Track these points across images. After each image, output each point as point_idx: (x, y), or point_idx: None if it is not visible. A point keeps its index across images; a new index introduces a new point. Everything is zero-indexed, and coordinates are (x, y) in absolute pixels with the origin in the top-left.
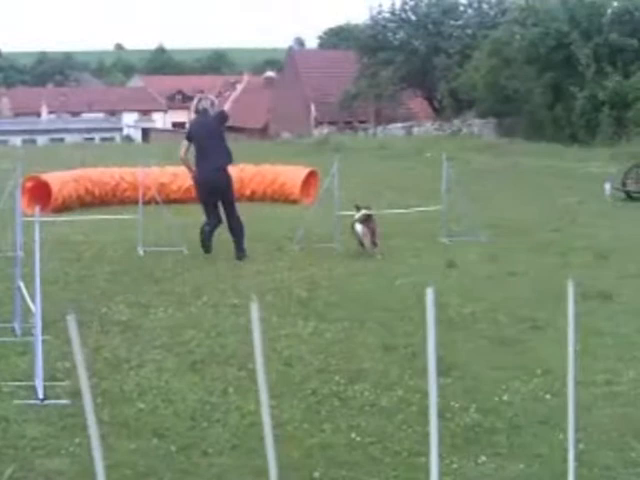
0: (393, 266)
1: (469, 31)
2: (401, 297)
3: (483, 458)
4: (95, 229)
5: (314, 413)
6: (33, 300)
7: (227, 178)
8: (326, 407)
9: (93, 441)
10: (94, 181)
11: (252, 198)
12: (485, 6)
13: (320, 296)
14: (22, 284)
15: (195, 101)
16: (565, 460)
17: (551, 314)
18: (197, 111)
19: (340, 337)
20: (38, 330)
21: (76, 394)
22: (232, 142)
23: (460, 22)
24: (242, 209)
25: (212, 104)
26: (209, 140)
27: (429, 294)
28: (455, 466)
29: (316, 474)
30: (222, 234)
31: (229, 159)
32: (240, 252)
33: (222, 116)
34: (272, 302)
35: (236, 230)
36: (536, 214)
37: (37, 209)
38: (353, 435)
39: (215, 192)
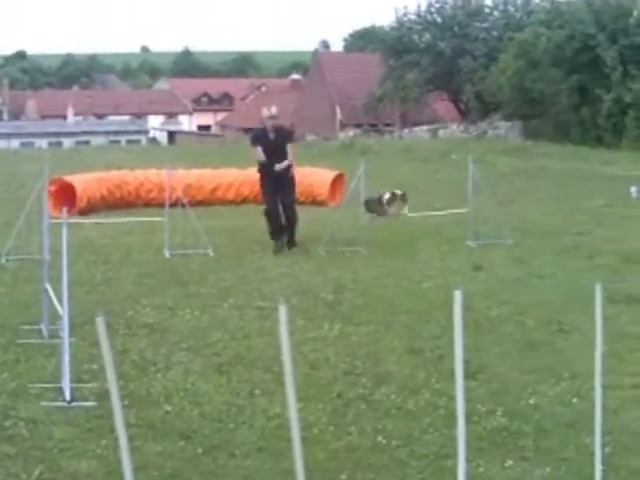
0: (419, 269)
1: (495, 33)
2: (427, 300)
3: (510, 462)
4: (121, 231)
5: (340, 416)
6: (60, 302)
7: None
8: (352, 410)
9: (121, 443)
10: (118, 183)
11: None
12: (511, 8)
13: (346, 299)
14: (49, 286)
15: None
16: (592, 464)
17: (578, 317)
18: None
19: (366, 340)
20: (65, 332)
21: (103, 396)
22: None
23: (486, 24)
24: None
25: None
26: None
27: (457, 297)
28: (481, 469)
29: (343, 477)
30: (249, 236)
31: None
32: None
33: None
34: (298, 305)
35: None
36: (562, 217)
37: (64, 211)
38: (379, 438)
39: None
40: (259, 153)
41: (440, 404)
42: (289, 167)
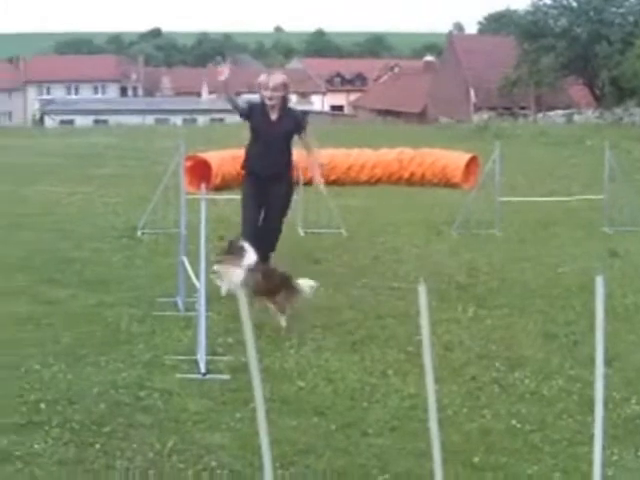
0: (554, 254)
1: (631, 18)
2: (562, 285)
3: None
4: None
5: (474, 399)
6: (196, 276)
7: None
8: (486, 393)
9: (259, 416)
10: None
11: (411, 181)
12: None
13: (480, 282)
14: (186, 260)
15: None
16: None
17: None
18: None
19: (500, 323)
20: (202, 305)
21: (237, 369)
22: (389, 126)
23: (622, 9)
24: (401, 193)
25: None
26: None
27: (599, 283)
28: (615, 457)
29: (475, 459)
30: (382, 217)
31: None
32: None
33: None
34: (431, 287)
35: None
36: None
37: (203, 187)
38: (513, 422)
39: None
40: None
41: (574, 390)
42: (284, 172)
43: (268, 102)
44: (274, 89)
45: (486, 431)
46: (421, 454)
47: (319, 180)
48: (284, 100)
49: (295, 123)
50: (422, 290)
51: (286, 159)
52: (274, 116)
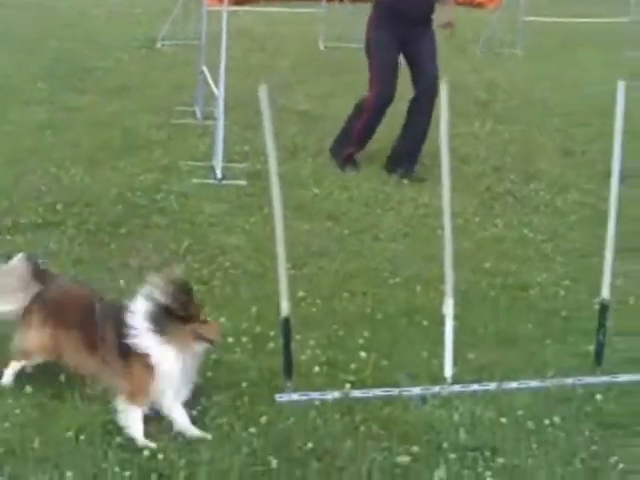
0: (576, 74)
1: None
2: (585, 105)
3: None
4: (278, 21)
5: (487, 208)
6: (216, 85)
7: None
8: (500, 203)
9: (276, 217)
10: None
11: None
12: None
13: (499, 99)
14: (206, 69)
15: None
16: None
17: None
18: None
19: (518, 138)
20: (220, 112)
21: (253, 175)
22: None
23: None
24: None
25: None
26: None
27: (620, 88)
28: (625, 269)
29: (486, 265)
30: None
31: None
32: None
33: None
34: (451, 101)
35: None
36: None
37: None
38: (525, 231)
39: None
40: None
41: (588, 203)
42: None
43: None
44: None
45: (498, 239)
46: (431, 258)
47: None
48: None
49: None
50: (444, 87)
51: None
52: None
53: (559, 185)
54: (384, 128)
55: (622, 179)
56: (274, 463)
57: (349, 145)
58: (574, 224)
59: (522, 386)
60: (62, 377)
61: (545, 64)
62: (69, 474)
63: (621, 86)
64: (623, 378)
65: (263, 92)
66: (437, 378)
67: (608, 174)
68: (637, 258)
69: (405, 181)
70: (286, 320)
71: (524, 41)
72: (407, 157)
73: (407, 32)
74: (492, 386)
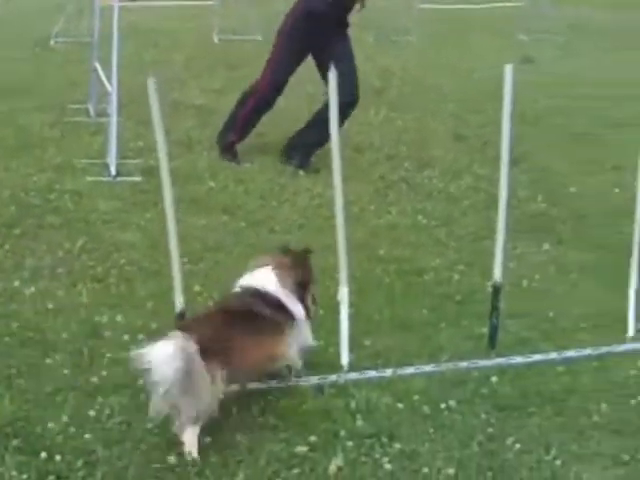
0: (469, 60)
1: None
2: (476, 90)
3: (546, 246)
4: (172, 16)
5: (381, 196)
6: (109, 82)
7: None
8: (394, 191)
9: (168, 213)
10: None
11: None
12: None
13: (394, 86)
14: (98, 66)
15: None
16: (630, 249)
17: None
18: None
19: (412, 126)
20: (113, 109)
21: (148, 172)
22: None
23: None
24: None
25: None
26: None
27: (507, 71)
28: (518, 251)
29: (381, 252)
30: None
31: None
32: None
33: None
34: None
35: None
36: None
37: None
38: (419, 217)
39: None
40: None
41: (481, 188)
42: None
43: None
44: None
45: (392, 226)
46: (327, 247)
47: None
48: None
49: None
50: (332, 77)
51: None
52: None
53: (452, 171)
54: (280, 121)
55: (514, 162)
56: (172, 459)
57: (232, 133)
58: (467, 209)
59: (418, 371)
60: None
61: (440, 51)
62: None
63: (509, 69)
64: (517, 360)
65: (152, 86)
66: (334, 366)
67: (500, 158)
68: (531, 240)
69: (301, 172)
70: (181, 314)
71: (419, 28)
72: (302, 148)
73: (323, 31)
74: (388, 372)
